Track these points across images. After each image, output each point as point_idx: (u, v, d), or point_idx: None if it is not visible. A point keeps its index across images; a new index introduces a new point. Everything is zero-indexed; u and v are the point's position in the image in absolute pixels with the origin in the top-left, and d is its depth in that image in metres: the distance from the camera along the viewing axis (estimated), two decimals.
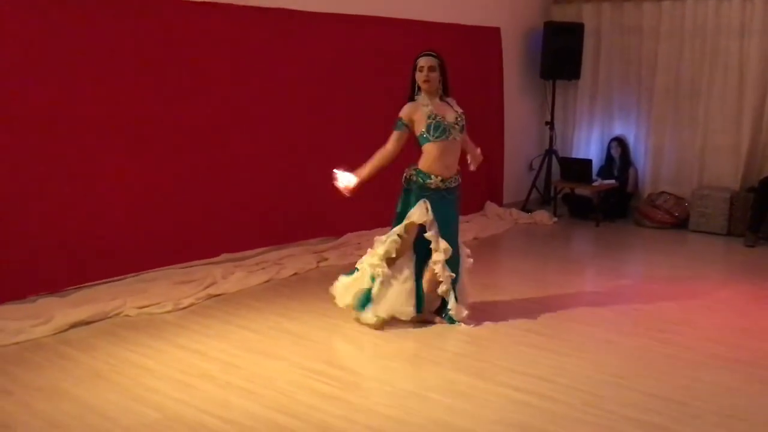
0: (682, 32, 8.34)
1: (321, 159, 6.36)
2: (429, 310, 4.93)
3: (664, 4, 8.42)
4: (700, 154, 8.35)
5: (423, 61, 4.68)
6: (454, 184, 4.80)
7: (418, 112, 4.67)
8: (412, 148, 4.81)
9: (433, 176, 4.70)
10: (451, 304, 4.82)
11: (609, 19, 8.90)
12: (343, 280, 4.94)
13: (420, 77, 4.67)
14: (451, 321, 4.87)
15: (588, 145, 9.22)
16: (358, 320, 4.89)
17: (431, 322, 4.92)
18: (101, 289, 5.21)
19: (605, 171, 8.69)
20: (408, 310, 4.81)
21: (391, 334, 4.78)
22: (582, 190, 8.59)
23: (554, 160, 9.07)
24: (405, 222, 4.74)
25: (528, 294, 5.66)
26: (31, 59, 4.85)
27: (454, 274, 4.77)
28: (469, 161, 5.08)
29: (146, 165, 5.52)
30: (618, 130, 8.94)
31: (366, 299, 4.82)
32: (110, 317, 4.86)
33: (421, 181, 4.72)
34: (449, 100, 4.81)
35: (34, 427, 3.44)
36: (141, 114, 5.45)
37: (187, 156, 5.78)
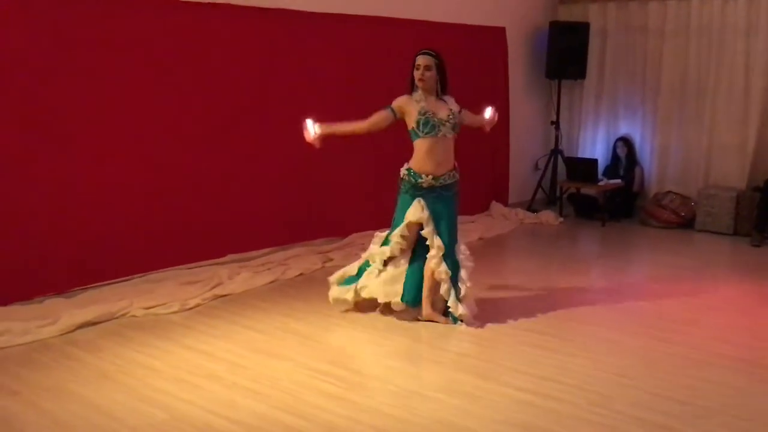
0: (688, 31, 8.32)
1: (326, 159, 6.39)
2: (435, 310, 4.95)
3: (670, 4, 8.40)
4: (707, 154, 8.33)
5: (420, 60, 4.78)
6: (449, 181, 4.87)
7: (410, 106, 4.77)
8: (409, 147, 4.90)
9: (423, 175, 4.79)
10: (451, 301, 4.85)
11: (615, 18, 8.89)
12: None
13: (416, 75, 4.77)
14: (455, 320, 4.88)
15: (594, 144, 9.21)
16: (332, 299, 5.05)
17: (436, 323, 4.92)
18: (108, 290, 5.24)
19: (611, 171, 8.68)
20: (393, 289, 4.89)
21: (395, 334, 4.79)
22: (588, 190, 8.57)
23: (560, 159, 9.07)
24: (404, 222, 4.85)
25: (533, 294, 5.66)
26: (34, 60, 4.87)
27: (450, 272, 4.81)
28: (485, 127, 5.25)
29: (152, 166, 5.54)
30: (624, 129, 8.92)
31: (351, 280, 5.03)
32: (117, 318, 4.88)
33: (414, 180, 4.82)
34: (446, 98, 4.88)
35: (41, 427, 3.46)
36: (147, 115, 5.47)
37: (193, 157, 5.79)
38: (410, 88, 4.84)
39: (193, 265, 5.81)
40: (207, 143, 5.87)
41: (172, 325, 4.83)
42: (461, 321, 4.84)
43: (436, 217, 4.83)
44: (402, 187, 4.91)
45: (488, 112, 5.24)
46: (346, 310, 5.10)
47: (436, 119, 4.75)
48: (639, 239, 7.81)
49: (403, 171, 4.88)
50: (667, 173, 8.62)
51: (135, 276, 5.49)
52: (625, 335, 4.86)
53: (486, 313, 5.04)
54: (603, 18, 8.97)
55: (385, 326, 4.92)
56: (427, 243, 4.85)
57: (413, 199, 4.83)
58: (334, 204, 6.83)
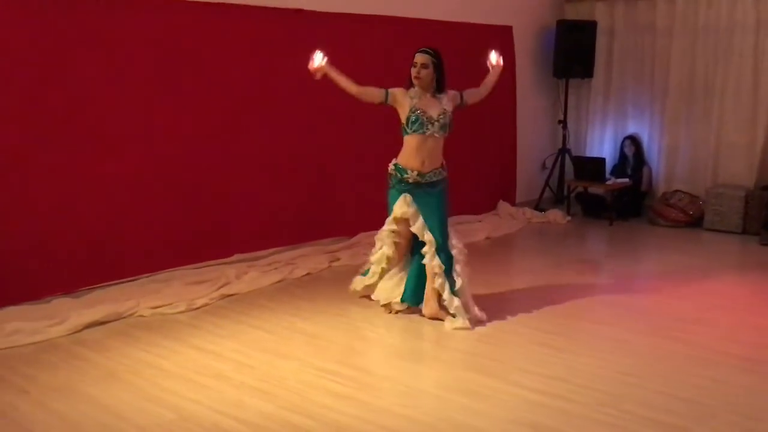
0: (696, 30, 8.28)
1: (331, 159, 6.40)
2: (441, 308, 4.93)
3: (678, 2, 8.36)
4: (715, 152, 8.29)
5: (417, 58, 4.83)
6: (435, 178, 4.92)
7: (404, 100, 4.85)
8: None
9: (409, 171, 4.86)
10: (446, 295, 4.85)
11: (622, 17, 8.87)
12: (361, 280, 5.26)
13: (413, 72, 4.83)
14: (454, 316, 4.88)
15: (601, 143, 9.18)
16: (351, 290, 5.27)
17: (442, 321, 4.91)
18: (115, 290, 5.24)
19: (619, 170, 8.65)
20: (395, 294, 5.04)
21: (403, 333, 4.79)
22: (595, 189, 8.55)
23: (567, 158, 9.05)
24: (391, 216, 4.96)
25: (541, 293, 5.64)
26: (37, 60, 4.87)
27: (444, 265, 4.82)
28: (495, 77, 5.26)
29: (160, 166, 5.54)
30: (631, 128, 8.90)
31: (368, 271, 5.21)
32: (124, 318, 4.89)
33: (399, 175, 4.90)
34: (442, 96, 4.90)
35: (49, 427, 3.46)
36: (153, 114, 5.48)
37: (200, 157, 5.80)
38: (408, 84, 4.88)
39: (200, 264, 5.81)
40: (214, 143, 5.87)
41: (180, 324, 4.84)
42: (454, 312, 4.84)
43: (425, 213, 4.87)
44: (390, 181, 4.99)
45: (493, 58, 5.24)
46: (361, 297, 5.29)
47: (425, 118, 4.80)
48: (647, 238, 7.78)
49: (390, 166, 4.95)
50: (675, 172, 8.59)
51: (142, 276, 5.50)
52: (633, 334, 4.84)
53: (493, 312, 5.03)
54: (610, 16, 8.94)
55: (392, 325, 4.92)
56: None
57: (400, 194, 4.90)
58: (342, 203, 6.82)
